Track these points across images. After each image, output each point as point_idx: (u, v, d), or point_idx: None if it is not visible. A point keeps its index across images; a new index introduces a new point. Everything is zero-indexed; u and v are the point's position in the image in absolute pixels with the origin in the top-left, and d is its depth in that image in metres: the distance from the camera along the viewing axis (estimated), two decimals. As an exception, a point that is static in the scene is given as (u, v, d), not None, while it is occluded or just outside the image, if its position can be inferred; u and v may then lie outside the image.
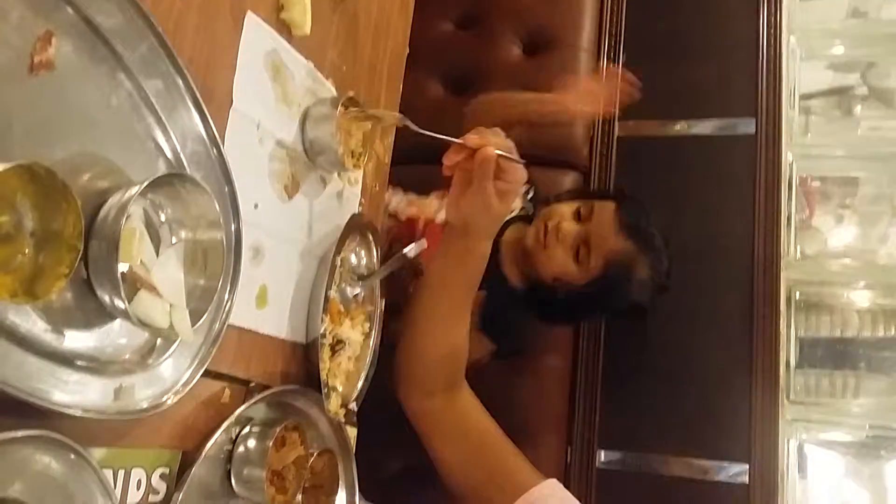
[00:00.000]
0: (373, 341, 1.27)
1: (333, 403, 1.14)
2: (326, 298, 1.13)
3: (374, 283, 1.27)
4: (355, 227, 1.24)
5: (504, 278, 1.69)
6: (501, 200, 1.10)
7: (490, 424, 1.31)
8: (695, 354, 1.86)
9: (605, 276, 1.54)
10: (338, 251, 1.16)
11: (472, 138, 1.08)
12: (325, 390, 1.12)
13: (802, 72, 2.14)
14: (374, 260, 1.30)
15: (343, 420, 1.16)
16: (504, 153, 1.07)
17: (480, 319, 1.52)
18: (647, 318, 1.69)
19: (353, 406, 1.20)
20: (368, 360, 1.26)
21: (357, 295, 1.24)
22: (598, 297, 1.59)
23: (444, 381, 1.29)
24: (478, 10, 2.21)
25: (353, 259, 1.25)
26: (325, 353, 1.14)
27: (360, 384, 1.23)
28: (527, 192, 1.82)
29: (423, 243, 1.18)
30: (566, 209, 1.60)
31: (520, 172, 1.11)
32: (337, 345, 1.18)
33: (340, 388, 1.17)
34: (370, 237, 1.28)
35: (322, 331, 1.12)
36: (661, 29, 2.19)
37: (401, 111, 1.49)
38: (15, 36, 0.71)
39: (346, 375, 1.20)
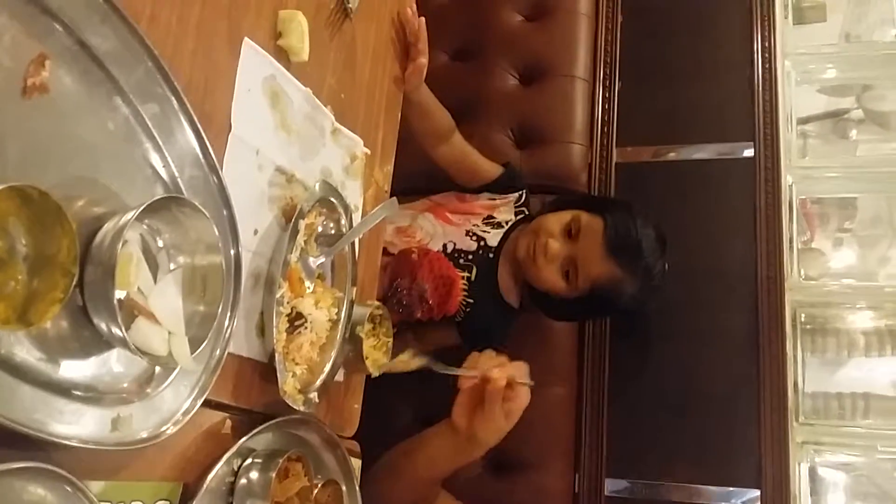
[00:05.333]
0: (340, 332, 1.19)
1: (290, 385, 1.06)
2: (286, 262, 1.06)
3: (344, 247, 1.20)
4: (323, 194, 1.17)
5: (496, 289, 1.76)
6: (507, 419, 1.19)
7: None
8: (701, 379, 1.84)
9: (592, 295, 1.63)
10: (302, 215, 1.10)
11: (493, 371, 1.16)
12: (281, 367, 1.04)
13: (797, 96, 2.14)
14: (343, 230, 1.22)
15: (303, 408, 1.07)
16: (513, 378, 1.17)
17: (460, 324, 1.71)
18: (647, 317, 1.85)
19: (314, 397, 1.11)
20: (334, 352, 1.17)
21: (321, 264, 1.16)
22: (588, 308, 1.74)
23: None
24: (472, 42, 2.22)
25: (320, 229, 1.18)
26: (282, 324, 1.06)
27: (323, 376, 1.15)
28: (517, 200, 1.85)
29: (395, 201, 1.32)
30: (556, 224, 1.64)
31: (526, 397, 1.20)
32: (297, 319, 1.09)
33: (298, 372, 1.09)
34: (339, 208, 1.20)
35: (278, 296, 1.04)
36: (657, 56, 2.20)
37: (399, 141, 1.49)
38: (7, 58, 0.70)
39: (307, 363, 1.11)
